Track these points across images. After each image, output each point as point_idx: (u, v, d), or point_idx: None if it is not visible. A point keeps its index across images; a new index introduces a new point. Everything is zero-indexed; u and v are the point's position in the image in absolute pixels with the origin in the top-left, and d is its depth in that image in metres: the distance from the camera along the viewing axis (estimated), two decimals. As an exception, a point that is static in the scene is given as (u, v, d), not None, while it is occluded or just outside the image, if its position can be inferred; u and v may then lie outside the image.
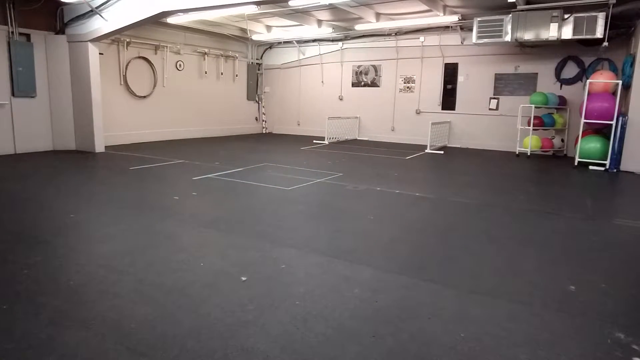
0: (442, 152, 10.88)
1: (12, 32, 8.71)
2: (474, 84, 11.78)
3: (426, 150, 10.89)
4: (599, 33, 8.51)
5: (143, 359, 2.16)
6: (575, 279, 3.26)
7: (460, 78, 12.02)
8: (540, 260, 3.65)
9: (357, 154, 10.18)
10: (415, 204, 5.58)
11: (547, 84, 10.76)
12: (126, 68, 10.99)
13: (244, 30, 12.73)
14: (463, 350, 2.29)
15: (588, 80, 8.98)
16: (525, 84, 11.07)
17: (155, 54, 11.68)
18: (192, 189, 6.12)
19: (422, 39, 12.18)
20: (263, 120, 15.60)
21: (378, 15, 10.99)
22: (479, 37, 9.81)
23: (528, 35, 9.24)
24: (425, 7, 9.66)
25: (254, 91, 15.09)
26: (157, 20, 9.78)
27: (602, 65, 10.08)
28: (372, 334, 2.43)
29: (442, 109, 12.35)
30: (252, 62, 14.84)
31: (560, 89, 10.63)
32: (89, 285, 2.97)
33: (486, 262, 3.60)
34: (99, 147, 9.60)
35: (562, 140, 10.53)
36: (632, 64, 8.39)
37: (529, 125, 9.99)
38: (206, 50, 13.01)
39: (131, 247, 3.74)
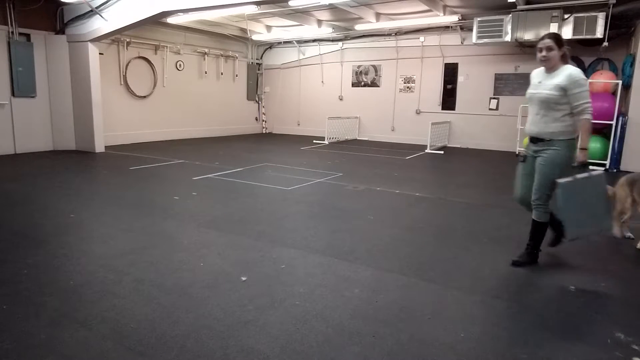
0: (442, 152, 10.88)
1: (12, 32, 8.71)
2: (474, 84, 11.78)
3: (426, 150, 10.89)
4: (599, 33, 8.51)
5: (143, 359, 2.16)
6: (575, 279, 3.27)
7: (460, 78, 12.02)
8: (540, 260, 3.64)
9: (357, 154, 10.18)
10: (415, 204, 5.58)
11: (547, 84, 10.74)
12: (126, 68, 10.99)
13: (244, 30, 12.73)
14: (463, 350, 2.29)
15: (588, 80, 8.96)
16: (525, 84, 10.98)
17: (155, 54, 11.67)
18: (192, 189, 6.12)
19: (422, 39, 12.18)
20: (263, 120, 15.60)
21: (378, 15, 10.99)
22: (479, 37, 9.81)
23: (528, 35, 9.23)
24: (425, 7, 9.66)
25: (254, 91, 15.09)
26: (157, 20, 9.78)
27: (602, 65, 10.07)
28: (372, 334, 2.43)
29: (442, 109, 12.34)
30: (252, 62, 14.84)
31: (560, 89, 10.61)
32: (89, 285, 2.97)
33: (486, 262, 3.60)
34: (99, 147, 9.60)
35: (562, 140, 10.52)
36: (632, 64, 8.39)
37: (529, 125, 9.98)
38: (206, 50, 13.01)
39: (131, 247, 3.74)
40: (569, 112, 3.24)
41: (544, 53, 3.25)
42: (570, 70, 3.21)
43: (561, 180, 3.19)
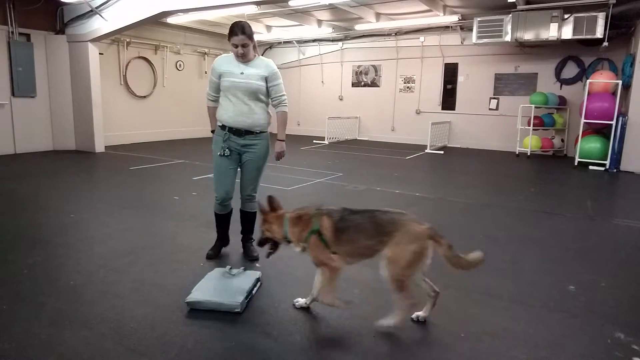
0: (442, 152, 10.88)
1: (12, 32, 8.71)
2: (474, 84, 11.77)
3: (426, 150, 10.88)
4: (599, 33, 8.50)
5: (143, 359, 2.16)
6: (575, 279, 3.26)
7: (460, 78, 12.02)
8: (540, 260, 3.65)
9: (357, 154, 10.18)
10: (415, 204, 5.57)
11: (547, 84, 10.76)
12: (126, 68, 10.98)
13: (244, 30, 12.71)
14: (463, 350, 2.29)
15: (588, 80, 8.98)
16: (525, 84, 11.07)
17: (155, 54, 11.67)
18: (192, 189, 6.12)
19: (422, 39, 12.17)
20: (263, 120, 15.58)
21: (378, 15, 10.99)
22: (479, 37, 9.80)
23: (528, 35, 9.23)
24: (425, 7, 9.66)
25: (254, 91, 15.07)
26: (157, 20, 9.78)
27: (602, 65, 10.08)
28: (372, 334, 2.43)
29: (442, 109, 12.34)
30: (252, 62, 14.82)
31: (560, 89, 10.62)
32: (89, 285, 2.97)
33: (486, 262, 3.58)
34: (99, 147, 9.59)
35: (562, 140, 10.53)
36: (632, 64, 8.38)
37: (529, 125, 9.99)
38: (206, 50, 13.01)
39: (131, 247, 3.74)
40: (267, 103, 3.45)
41: (240, 50, 3.17)
42: (269, 62, 3.32)
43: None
